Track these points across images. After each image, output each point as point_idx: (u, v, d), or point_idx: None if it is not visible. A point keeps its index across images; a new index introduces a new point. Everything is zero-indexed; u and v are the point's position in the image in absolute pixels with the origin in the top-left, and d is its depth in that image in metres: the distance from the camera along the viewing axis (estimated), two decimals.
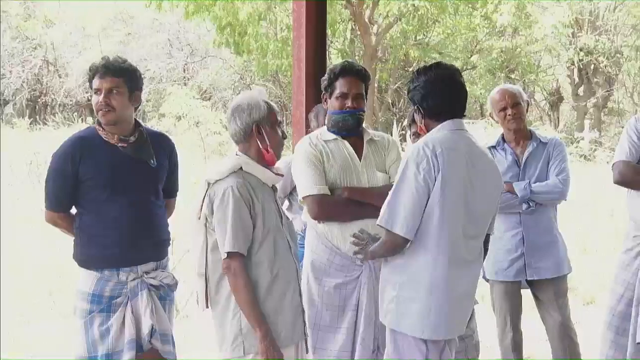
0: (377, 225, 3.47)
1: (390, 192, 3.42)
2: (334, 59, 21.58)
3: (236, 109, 3.50)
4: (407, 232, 3.36)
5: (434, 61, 3.83)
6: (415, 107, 3.56)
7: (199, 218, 3.43)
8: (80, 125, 17.91)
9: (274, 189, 3.60)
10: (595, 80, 26.88)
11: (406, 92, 3.65)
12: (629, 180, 4.53)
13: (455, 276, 3.43)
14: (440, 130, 3.48)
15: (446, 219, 3.38)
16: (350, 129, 4.11)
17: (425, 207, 3.36)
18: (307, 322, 3.87)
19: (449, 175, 3.37)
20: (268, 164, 3.51)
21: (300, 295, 3.61)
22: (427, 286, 3.41)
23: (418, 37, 25.55)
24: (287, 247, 3.52)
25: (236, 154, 3.53)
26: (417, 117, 3.59)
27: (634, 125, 4.59)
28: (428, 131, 3.54)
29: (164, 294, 3.95)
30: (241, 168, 3.45)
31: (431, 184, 3.35)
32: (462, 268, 3.46)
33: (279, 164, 3.65)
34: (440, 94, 3.51)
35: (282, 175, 3.62)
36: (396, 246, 3.43)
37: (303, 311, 3.61)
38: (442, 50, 24.94)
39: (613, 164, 4.59)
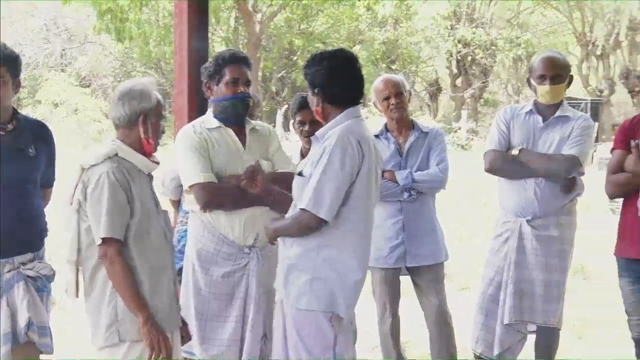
0: (300, 208, 3.47)
1: (314, 177, 3.44)
2: (217, 47, 21.43)
3: (126, 93, 3.43)
4: (330, 217, 3.44)
5: (322, 49, 3.88)
6: (315, 90, 3.58)
7: (71, 204, 3.36)
8: None
9: (149, 176, 3.56)
10: (472, 71, 27.69)
11: (304, 75, 3.66)
12: (497, 168, 4.69)
13: (368, 257, 3.62)
14: (346, 117, 3.55)
15: (370, 204, 3.53)
16: (239, 115, 4.11)
17: (351, 192, 3.46)
18: (194, 312, 3.90)
19: (371, 162, 3.49)
20: (146, 154, 3.47)
21: (175, 284, 3.59)
22: (349, 266, 3.49)
23: (302, 27, 25.67)
24: (163, 234, 3.49)
25: (112, 141, 3.47)
26: (314, 100, 3.60)
27: (502, 115, 4.76)
28: (324, 115, 3.60)
29: (41, 285, 3.86)
30: (117, 154, 3.39)
31: (356, 170, 3.45)
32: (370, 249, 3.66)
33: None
34: (344, 80, 3.59)
35: (158, 163, 3.58)
36: (311, 229, 3.47)
37: (178, 300, 3.59)
38: (325, 39, 25.15)
39: (484, 153, 4.76)
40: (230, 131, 4.10)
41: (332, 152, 3.43)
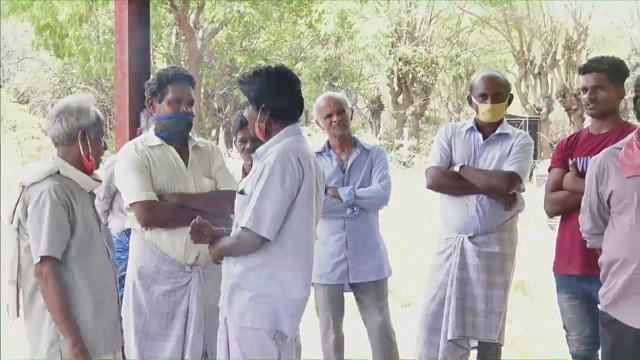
0: (242, 227, 3.45)
1: (255, 195, 3.43)
2: (159, 64, 21.31)
3: (64, 110, 3.39)
4: (272, 234, 3.42)
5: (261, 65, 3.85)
6: (263, 106, 3.54)
7: (11, 222, 3.30)
8: None
9: (91, 194, 3.51)
10: (413, 89, 27.95)
11: (248, 90, 3.61)
12: (439, 184, 4.74)
13: (310, 273, 3.60)
14: (287, 134, 3.55)
15: (311, 221, 3.53)
16: (181, 134, 4.10)
17: (292, 209, 3.45)
18: (134, 330, 3.88)
19: (311, 179, 3.49)
20: (86, 171, 3.42)
21: (119, 302, 3.55)
22: (292, 283, 3.48)
23: (244, 44, 25.68)
24: (105, 253, 3.46)
25: (53, 158, 3.42)
26: (257, 116, 3.57)
27: (443, 133, 4.82)
28: (266, 132, 3.57)
29: None
30: (58, 172, 3.34)
31: (296, 187, 3.44)
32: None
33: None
34: (289, 96, 3.60)
35: (100, 181, 3.54)
36: (253, 247, 3.45)
37: (121, 318, 3.54)
38: (267, 56, 25.19)
39: (426, 170, 4.80)
40: (172, 149, 4.08)
41: (272, 169, 3.42)
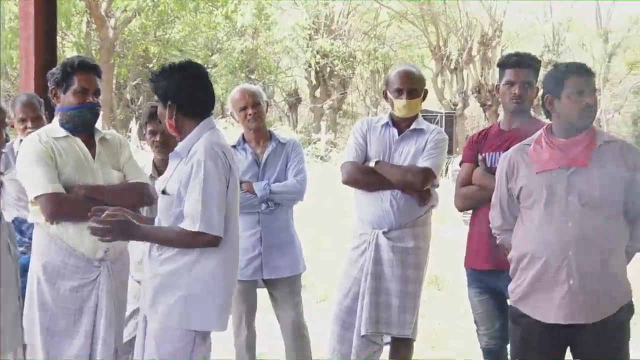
0: (193, 231, 3.37)
1: (195, 196, 3.38)
2: (68, 53, 20.86)
3: None
4: (222, 232, 3.41)
5: (178, 58, 3.80)
6: (169, 103, 3.49)
7: None
8: None
9: None
10: (331, 82, 28.10)
11: (155, 87, 3.57)
12: (354, 179, 4.73)
13: (237, 268, 3.62)
14: (203, 130, 3.51)
15: (237, 214, 3.53)
16: (87, 125, 4.00)
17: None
18: (39, 328, 3.79)
19: (236, 172, 3.51)
20: None
21: (20, 300, 3.43)
22: (223, 280, 3.48)
23: (158, 33, 25.36)
24: (7, 248, 3.32)
25: None
26: (166, 113, 3.52)
27: (359, 128, 4.82)
28: (178, 128, 3.53)
29: None
30: None
31: (226, 181, 3.43)
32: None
33: None
34: (201, 91, 3.56)
35: (2, 174, 3.42)
36: (209, 245, 3.41)
37: (21, 316, 3.43)
38: (182, 47, 24.95)
39: (341, 165, 4.79)
40: (79, 140, 3.99)
41: (206, 166, 3.39)
